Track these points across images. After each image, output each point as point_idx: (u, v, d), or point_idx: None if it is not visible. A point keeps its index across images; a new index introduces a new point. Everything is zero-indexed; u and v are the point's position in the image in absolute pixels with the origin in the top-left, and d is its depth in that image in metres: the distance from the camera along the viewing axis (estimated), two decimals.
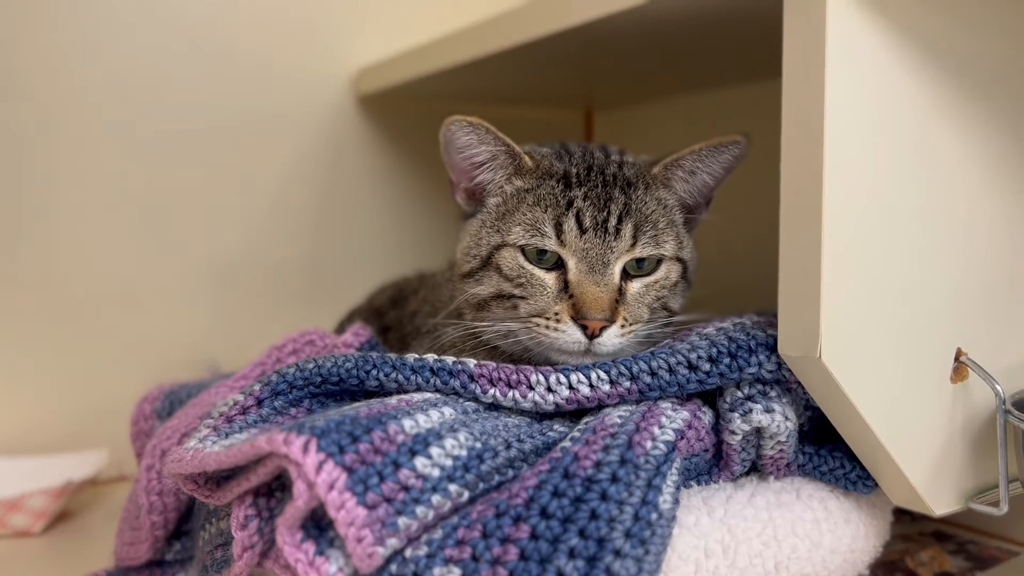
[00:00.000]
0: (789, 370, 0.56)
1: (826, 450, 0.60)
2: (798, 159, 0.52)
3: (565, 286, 0.63)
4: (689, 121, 1.12)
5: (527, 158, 0.66)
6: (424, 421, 0.50)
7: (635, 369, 0.57)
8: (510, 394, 0.57)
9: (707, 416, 0.58)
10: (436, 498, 0.46)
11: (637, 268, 0.64)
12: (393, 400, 0.54)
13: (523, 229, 0.64)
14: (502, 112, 1.17)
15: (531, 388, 0.57)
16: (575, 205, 0.63)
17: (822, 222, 0.50)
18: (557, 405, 0.57)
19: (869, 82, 0.52)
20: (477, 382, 0.57)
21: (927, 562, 0.70)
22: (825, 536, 0.56)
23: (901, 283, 0.55)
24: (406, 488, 0.46)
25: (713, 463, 0.59)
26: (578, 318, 0.61)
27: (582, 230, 0.62)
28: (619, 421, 0.54)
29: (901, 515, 0.75)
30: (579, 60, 0.87)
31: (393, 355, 0.60)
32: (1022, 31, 0.60)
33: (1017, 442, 0.58)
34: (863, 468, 0.58)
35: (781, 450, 0.57)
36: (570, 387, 0.57)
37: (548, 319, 0.62)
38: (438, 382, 0.57)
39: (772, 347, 0.56)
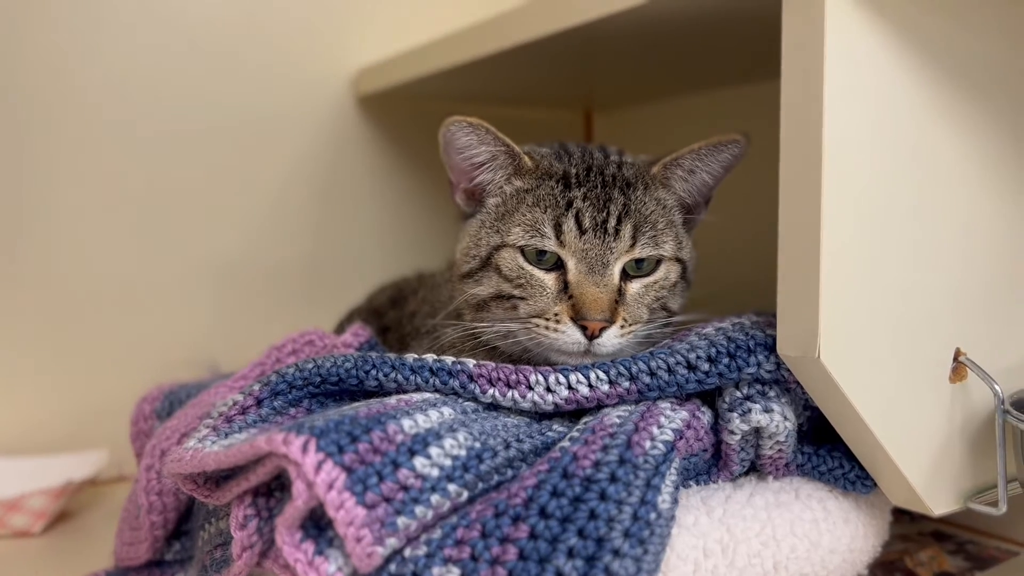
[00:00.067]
0: (788, 370, 0.56)
1: (825, 450, 0.60)
2: (797, 159, 0.52)
3: (565, 287, 0.63)
4: (688, 121, 1.12)
5: (527, 158, 0.66)
6: (423, 421, 0.50)
7: (634, 369, 0.57)
8: (509, 394, 0.57)
9: (706, 416, 0.58)
10: (435, 498, 0.46)
11: (636, 268, 0.64)
12: (392, 400, 0.54)
13: (523, 230, 0.64)
14: (501, 112, 1.17)
15: (530, 388, 0.57)
16: (574, 206, 0.63)
17: (821, 222, 0.50)
18: (556, 405, 0.57)
19: (868, 82, 0.52)
20: (476, 382, 0.57)
21: (926, 562, 0.70)
22: (824, 536, 0.56)
23: (900, 283, 0.55)
24: (405, 488, 0.46)
25: (712, 463, 0.59)
26: (578, 319, 0.61)
27: (581, 231, 0.63)
28: (618, 421, 0.54)
29: (900, 515, 0.75)
30: (578, 60, 0.88)
31: (392, 355, 0.60)
32: (1021, 31, 0.61)
33: (1016, 442, 0.58)
34: (862, 468, 0.59)
35: (780, 450, 0.57)
36: (569, 387, 0.57)
37: (548, 320, 0.62)
38: (437, 382, 0.57)
39: (771, 347, 0.56)
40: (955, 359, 0.58)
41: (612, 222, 0.63)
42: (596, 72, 0.98)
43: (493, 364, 0.58)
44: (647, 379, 0.57)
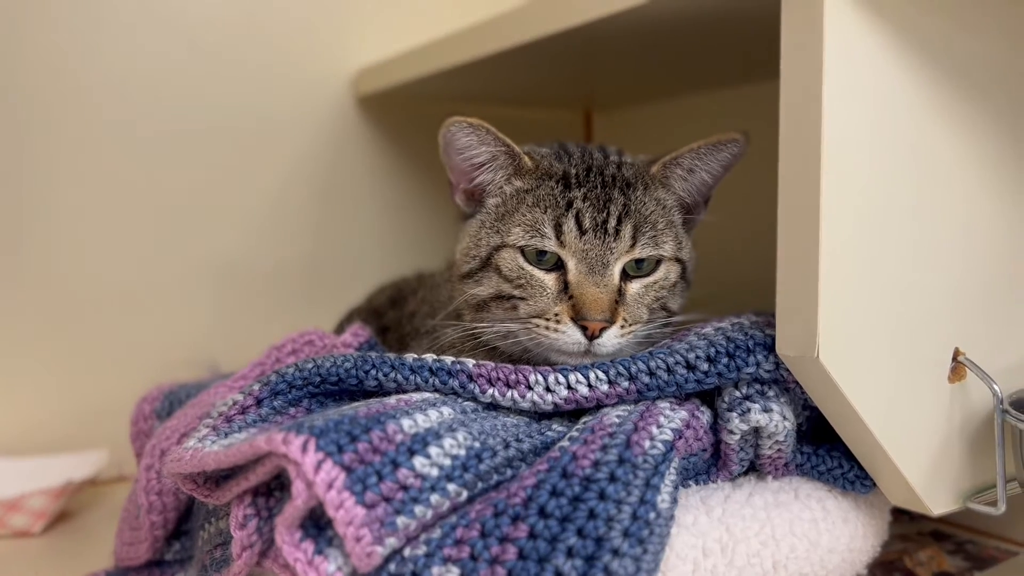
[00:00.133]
0: (787, 370, 0.56)
1: (824, 450, 0.60)
2: (796, 159, 0.52)
3: (565, 287, 0.63)
4: (688, 121, 1.12)
5: (527, 159, 0.66)
6: (423, 421, 0.50)
7: (633, 369, 0.57)
8: (508, 394, 0.57)
9: (705, 416, 0.58)
10: (435, 497, 0.46)
11: (636, 269, 0.64)
12: (392, 400, 0.54)
13: (523, 230, 0.64)
14: (501, 113, 1.17)
15: (529, 388, 0.57)
16: (575, 206, 0.63)
17: (820, 222, 0.51)
18: (555, 405, 0.57)
19: (867, 82, 0.52)
20: (475, 382, 0.57)
21: (925, 562, 0.70)
22: (823, 535, 0.56)
23: (899, 283, 0.56)
24: (405, 487, 0.46)
25: (711, 463, 0.59)
26: (578, 319, 0.61)
27: (582, 231, 0.63)
28: (617, 421, 0.54)
29: (899, 515, 0.75)
30: (578, 61, 0.88)
31: (392, 355, 0.60)
32: (1021, 32, 0.61)
33: (1015, 442, 0.58)
34: (861, 468, 0.59)
35: (779, 450, 0.58)
36: (568, 387, 0.57)
37: (548, 320, 0.62)
38: (437, 382, 0.57)
39: (770, 347, 0.57)
40: (954, 359, 0.58)
41: (612, 222, 0.63)
42: (596, 72, 0.98)
43: (492, 364, 0.58)
44: (646, 379, 0.57)
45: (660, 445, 0.52)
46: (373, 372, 0.58)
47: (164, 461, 0.60)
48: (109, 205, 0.98)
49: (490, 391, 0.57)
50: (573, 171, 0.66)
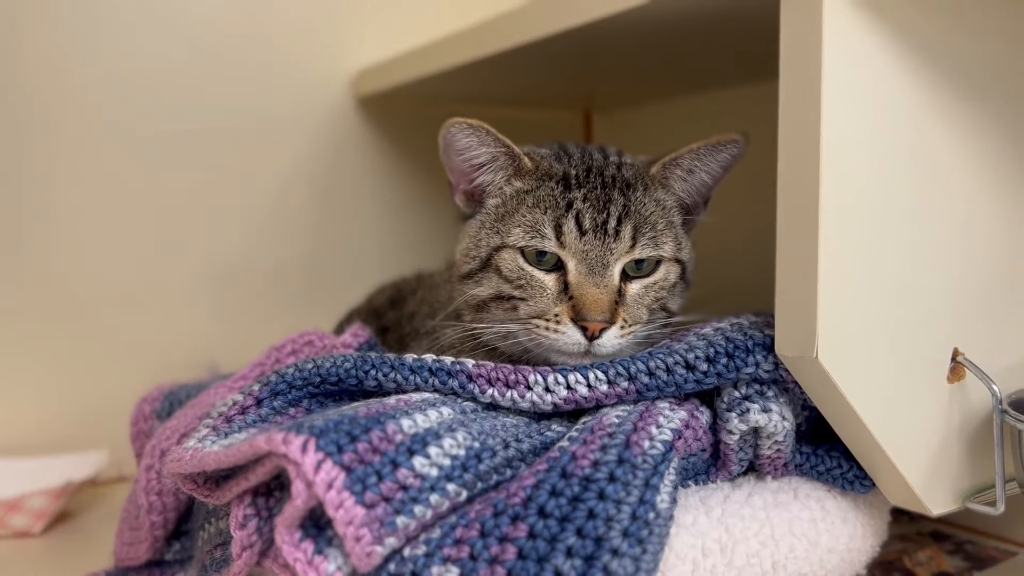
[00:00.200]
0: (786, 370, 0.56)
1: (823, 450, 0.60)
2: (795, 159, 0.52)
3: (565, 287, 0.63)
4: (688, 122, 1.12)
5: (526, 160, 0.66)
6: (422, 421, 0.50)
7: (633, 369, 0.57)
8: (508, 394, 0.57)
9: (705, 416, 0.58)
10: (434, 497, 0.46)
11: (636, 269, 0.65)
12: (391, 400, 0.54)
13: (523, 231, 0.64)
14: (501, 113, 1.17)
15: (529, 388, 0.57)
16: (575, 207, 0.63)
17: (819, 222, 0.51)
18: (555, 405, 0.57)
19: (866, 83, 0.52)
20: (475, 382, 0.57)
21: (925, 562, 0.70)
22: (822, 535, 0.56)
23: (898, 283, 0.56)
24: (404, 487, 0.46)
25: (711, 463, 0.59)
26: (578, 319, 0.61)
27: (582, 232, 0.63)
28: (617, 421, 0.54)
29: (899, 515, 0.75)
30: (578, 61, 0.88)
31: (391, 355, 0.60)
32: (1020, 33, 0.61)
33: (1014, 442, 0.58)
34: (860, 468, 0.59)
35: (778, 450, 0.58)
36: (568, 387, 0.57)
37: (548, 320, 0.62)
38: (436, 382, 0.57)
39: (769, 347, 0.57)
40: (953, 359, 0.59)
41: (612, 223, 0.63)
42: (595, 73, 0.98)
43: (492, 364, 0.58)
44: (645, 379, 0.57)
45: (659, 445, 0.52)
46: (373, 372, 0.58)
47: (164, 461, 0.60)
48: (109, 205, 0.98)
49: (489, 391, 0.57)
50: (573, 172, 0.66)
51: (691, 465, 0.57)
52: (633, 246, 0.63)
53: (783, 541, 0.54)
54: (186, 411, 0.67)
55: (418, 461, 0.47)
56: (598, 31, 0.72)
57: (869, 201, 0.53)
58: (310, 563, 0.45)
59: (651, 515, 0.47)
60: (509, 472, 0.51)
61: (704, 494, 0.56)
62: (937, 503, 0.58)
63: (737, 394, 0.57)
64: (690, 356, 0.57)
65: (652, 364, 0.57)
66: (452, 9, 1.16)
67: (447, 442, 0.49)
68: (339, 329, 0.90)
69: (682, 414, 0.56)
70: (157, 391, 0.76)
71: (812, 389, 0.56)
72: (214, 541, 0.57)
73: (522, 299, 0.64)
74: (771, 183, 0.54)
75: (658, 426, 0.53)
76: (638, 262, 0.64)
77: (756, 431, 0.57)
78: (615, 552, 0.44)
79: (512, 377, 0.57)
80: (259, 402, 0.58)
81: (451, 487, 0.47)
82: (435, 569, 0.45)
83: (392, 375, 0.58)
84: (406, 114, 1.16)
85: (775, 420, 0.56)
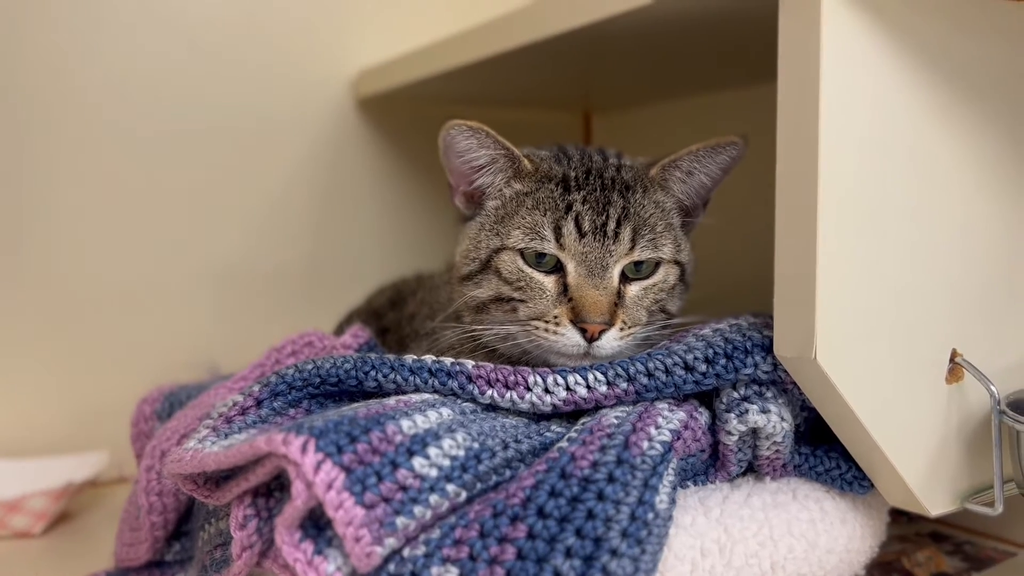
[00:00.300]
0: (785, 371, 0.56)
1: (822, 451, 0.60)
2: (793, 160, 0.52)
3: (564, 289, 0.63)
4: (687, 124, 1.12)
5: (526, 161, 0.66)
6: (422, 422, 0.50)
7: (632, 370, 0.57)
8: (508, 395, 0.57)
9: (703, 417, 0.58)
10: (434, 498, 0.47)
11: (635, 271, 0.65)
12: (391, 401, 0.54)
13: (522, 232, 0.64)
14: (501, 115, 1.17)
15: (528, 389, 0.57)
16: (574, 209, 0.63)
17: (817, 223, 0.51)
18: (554, 406, 0.57)
19: (864, 84, 0.52)
20: (475, 383, 0.57)
21: (923, 562, 0.70)
22: (821, 536, 0.56)
23: (896, 284, 0.56)
24: (404, 488, 0.46)
25: (710, 463, 0.59)
26: (577, 321, 0.61)
27: (581, 234, 0.63)
28: (616, 422, 0.54)
29: (898, 516, 0.75)
30: (578, 63, 0.88)
31: (391, 356, 0.60)
32: (1019, 34, 0.61)
33: (1012, 443, 0.58)
34: (859, 469, 0.59)
35: (777, 451, 0.58)
36: (567, 388, 0.57)
37: (547, 322, 0.62)
38: (436, 383, 0.58)
39: (768, 348, 0.57)
40: (951, 360, 0.59)
41: (611, 225, 0.63)
42: (595, 75, 0.98)
43: (491, 365, 0.58)
44: (644, 380, 0.57)
45: (658, 446, 0.52)
46: (373, 373, 0.58)
47: (164, 462, 0.60)
48: (109, 205, 0.98)
49: (489, 392, 0.57)
50: (572, 174, 0.66)
51: (690, 466, 0.57)
52: (632, 248, 0.64)
53: (782, 542, 0.54)
54: (186, 412, 0.68)
55: (418, 462, 0.47)
56: (598, 33, 0.72)
57: (868, 202, 0.53)
58: (310, 563, 0.45)
59: (650, 515, 0.47)
60: (508, 473, 0.52)
61: (703, 495, 0.57)
62: (935, 504, 0.58)
63: (736, 395, 0.57)
64: (689, 357, 0.57)
65: (651, 365, 0.57)
66: (452, 10, 1.16)
67: (447, 443, 0.49)
68: (339, 330, 0.90)
69: (681, 415, 0.56)
70: (157, 392, 0.76)
71: (811, 390, 0.56)
72: (214, 541, 0.57)
73: (521, 301, 0.64)
74: (770, 185, 0.54)
75: (657, 427, 0.54)
76: (637, 264, 0.64)
77: (755, 432, 0.57)
78: (614, 552, 0.44)
79: (511, 378, 0.58)
80: (259, 403, 0.58)
81: (450, 488, 0.48)
82: (435, 569, 0.45)
83: (392, 376, 0.58)
84: (406, 115, 1.16)
85: (774, 421, 0.56)
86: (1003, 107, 0.61)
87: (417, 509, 0.46)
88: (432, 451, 0.48)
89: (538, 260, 0.64)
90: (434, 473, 0.47)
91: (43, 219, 0.95)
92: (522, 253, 0.64)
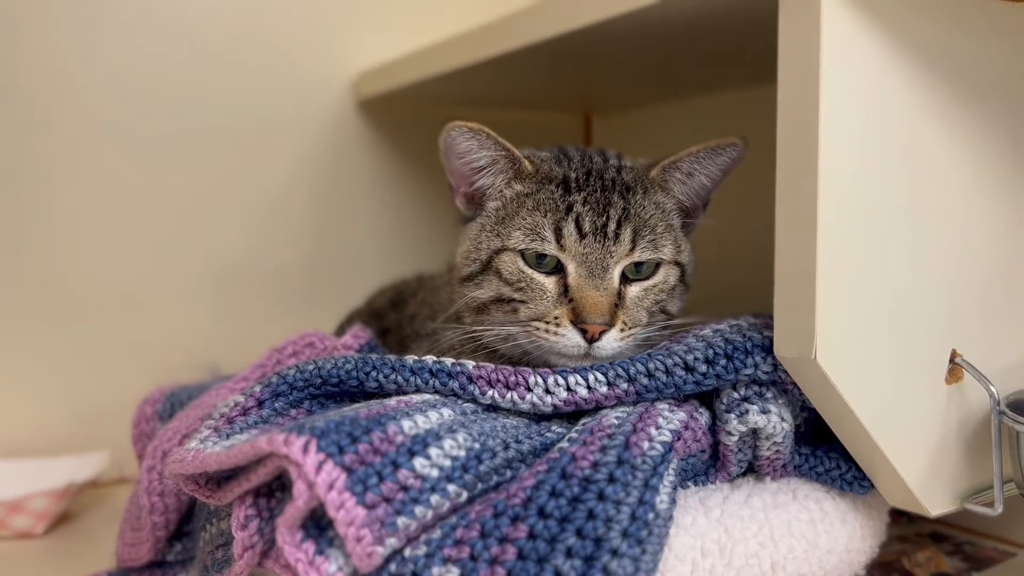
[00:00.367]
0: (785, 371, 0.57)
1: (822, 451, 0.60)
2: (793, 161, 0.52)
3: (565, 290, 0.63)
4: (687, 125, 1.12)
5: (527, 163, 0.66)
6: (423, 422, 0.50)
7: (632, 371, 0.57)
8: (508, 395, 0.57)
9: (704, 417, 0.58)
10: (435, 498, 0.47)
11: (636, 272, 0.65)
12: (392, 401, 0.54)
13: (523, 233, 0.64)
14: (501, 116, 1.17)
15: (529, 390, 0.57)
16: (575, 210, 0.64)
17: (817, 224, 0.51)
18: (555, 407, 0.57)
19: (864, 85, 0.53)
20: (476, 383, 0.58)
21: (924, 563, 0.70)
22: (821, 536, 0.56)
23: (896, 285, 0.56)
24: (405, 488, 0.46)
25: (710, 464, 0.59)
26: (578, 322, 0.61)
27: (582, 235, 0.63)
28: (616, 422, 0.54)
29: (898, 516, 0.75)
30: (578, 64, 0.88)
31: (392, 357, 0.60)
32: (1019, 35, 0.61)
33: (1011, 443, 0.58)
34: (859, 469, 0.59)
35: (777, 451, 0.58)
36: (568, 389, 0.57)
37: (548, 323, 0.62)
38: (437, 383, 0.58)
39: (768, 349, 0.57)
40: (951, 360, 0.59)
41: (612, 226, 0.63)
42: (595, 76, 0.98)
43: (492, 366, 0.59)
44: (645, 380, 0.57)
45: (659, 446, 0.52)
46: (374, 374, 0.58)
47: (166, 462, 0.60)
48: (109, 205, 0.98)
49: (490, 393, 0.57)
50: (573, 175, 0.66)
51: (690, 466, 0.57)
52: (633, 249, 0.64)
53: (782, 542, 0.54)
54: (188, 412, 0.68)
55: (419, 462, 0.47)
56: (598, 34, 0.72)
57: (867, 203, 0.54)
58: (311, 563, 0.45)
59: (650, 516, 0.47)
60: (509, 473, 0.52)
61: (703, 495, 0.57)
62: (935, 504, 0.58)
63: (736, 395, 0.57)
64: (689, 358, 0.57)
65: (651, 366, 0.57)
66: (453, 11, 1.17)
67: (447, 443, 0.49)
68: (340, 331, 0.90)
69: (681, 415, 0.56)
70: (159, 392, 0.76)
71: (811, 390, 0.56)
72: (216, 542, 0.57)
73: (522, 302, 0.64)
74: (770, 186, 0.54)
75: (657, 427, 0.54)
76: (637, 265, 0.65)
77: (755, 432, 0.57)
78: (615, 552, 0.44)
79: (512, 379, 0.58)
80: (260, 403, 0.58)
81: (451, 488, 0.48)
82: (436, 569, 0.45)
83: (393, 376, 0.58)
84: (406, 116, 1.16)
85: (774, 421, 0.56)
86: (1002, 107, 0.61)
87: (418, 509, 0.46)
88: (433, 451, 0.48)
89: (539, 261, 0.64)
90: (435, 473, 0.48)
91: (43, 219, 0.95)
92: (523, 254, 0.64)
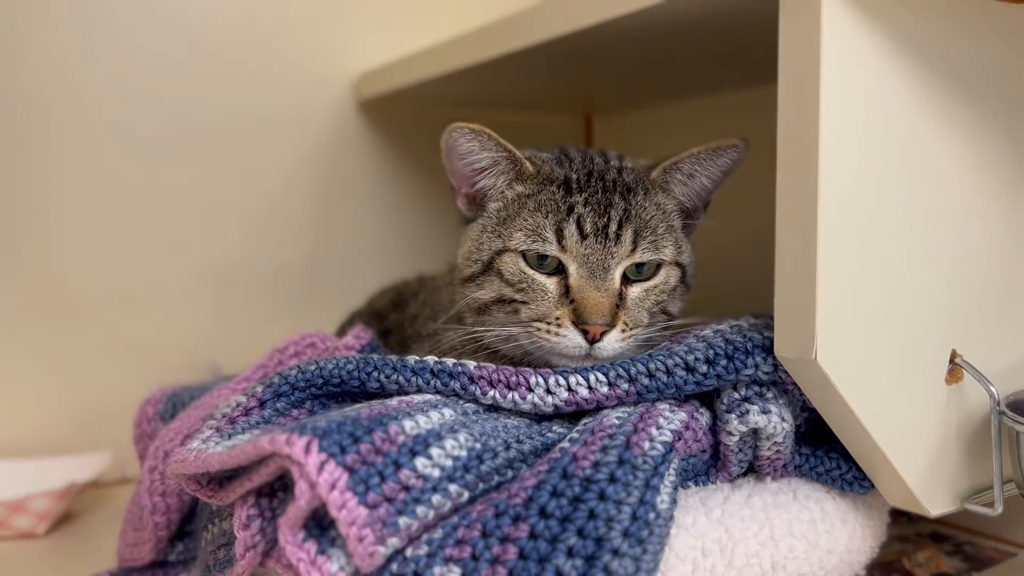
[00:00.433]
0: (785, 372, 0.57)
1: (823, 451, 0.60)
2: (793, 161, 0.52)
3: (566, 291, 0.63)
4: (688, 126, 1.12)
5: (528, 164, 0.67)
6: (424, 422, 0.51)
7: (633, 371, 0.57)
8: (509, 396, 0.57)
9: (704, 417, 0.58)
10: (436, 498, 0.47)
11: (637, 273, 0.65)
12: (394, 401, 0.54)
13: (524, 234, 0.64)
14: (502, 117, 1.17)
15: (530, 390, 0.57)
16: (576, 211, 0.64)
17: (817, 224, 0.51)
18: (556, 407, 0.57)
19: (864, 85, 0.53)
20: (477, 384, 0.58)
21: (924, 563, 0.71)
22: (822, 536, 0.57)
23: (897, 285, 0.56)
24: (407, 488, 0.46)
25: (710, 464, 0.59)
26: (579, 323, 0.61)
27: (583, 236, 0.63)
28: (617, 422, 0.54)
29: (898, 516, 0.76)
30: (579, 65, 0.88)
31: (394, 357, 0.60)
32: (1019, 36, 0.61)
33: (1011, 443, 0.58)
34: (859, 469, 0.59)
35: (778, 451, 0.58)
36: (569, 389, 0.57)
37: (549, 324, 0.62)
38: (439, 384, 0.58)
39: (768, 349, 0.57)
40: (951, 361, 0.59)
41: (613, 227, 0.63)
42: (596, 77, 0.98)
43: (494, 366, 0.59)
44: (646, 381, 0.57)
45: (659, 446, 0.52)
46: (375, 374, 0.58)
47: (168, 462, 0.60)
48: (109, 205, 0.98)
49: (491, 393, 0.57)
50: (574, 176, 0.66)
51: (691, 466, 0.57)
52: (634, 250, 0.64)
53: (782, 542, 0.55)
54: (189, 412, 0.68)
55: (420, 462, 0.47)
56: (600, 35, 0.72)
57: (868, 203, 0.54)
58: (313, 563, 0.45)
59: (651, 515, 0.47)
60: (510, 473, 0.52)
61: (704, 495, 0.57)
62: (935, 504, 0.58)
63: (736, 396, 0.58)
64: (690, 358, 0.57)
65: (652, 366, 0.57)
66: (454, 12, 1.17)
67: (449, 443, 0.49)
68: (341, 332, 0.90)
69: (682, 415, 0.56)
70: (160, 393, 0.76)
71: (811, 391, 0.56)
72: (218, 542, 0.57)
73: (523, 302, 0.64)
74: (770, 186, 0.54)
75: (658, 427, 0.54)
76: (639, 266, 0.65)
77: (755, 432, 0.57)
78: (616, 552, 0.44)
79: (513, 379, 0.58)
80: (262, 403, 0.58)
81: (453, 488, 0.48)
82: (437, 569, 0.45)
83: (394, 377, 0.58)
84: (407, 117, 1.16)
85: (774, 421, 0.56)
86: (1002, 108, 0.61)
87: (420, 509, 0.46)
88: (434, 451, 0.48)
89: (540, 262, 0.64)
90: (436, 473, 0.48)
91: (43, 219, 0.95)
92: (524, 255, 0.64)
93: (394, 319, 0.86)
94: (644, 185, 0.67)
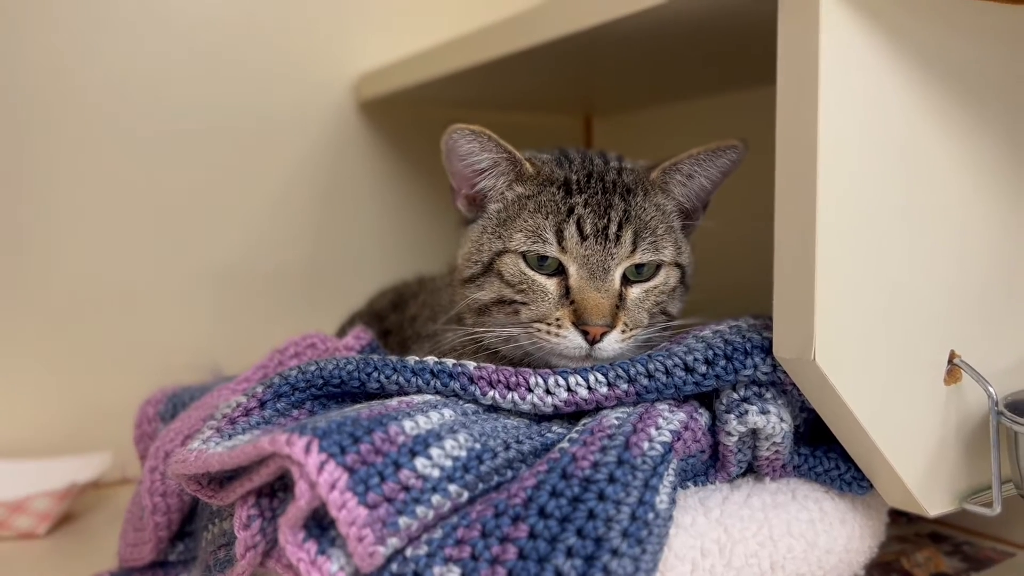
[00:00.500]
0: (784, 372, 0.57)
1: (821, 451, 0.61)
2: (792, 162, 0.52)
3: (566, 292, 0.63)
4: (688, 127, 1.13)
5: (528, 165, 0.67)
6: (424, 422, 0.51)
7: (632, 371, 0.57)
8: (509, 396, 0.58)
9: (704, 417, 0.58)
10: (436, 498, 0.47)
11: (636, 274, 0.65)
12: (394, 402, 0.54)
13: (524, 235, 0.64)
14: (502, 118, 1.17)
15: (530, 390, 0.58)
16: (576, 212, 0.64)
17: (816, 225, 0.51)
18: (555, 407, 0.58)
19: (863, 87, 0.53)
20: (477, 384, 0.58)
21: (923, 563, 0.71)
22: (820, 536, 0.57)
23: (895, 286, 0.56)
24: (406, 488, 0.46)
25: (710, 464, 0.59)
26: (579, 324, 0.61)
27: (583, 237, 0.63)
28: (616, 423, 0.54)
29: (898, 516, 0.76)
30: (579, 66, 0.88)
31: (394, 358, 0.60)
32: (1018, 37, 0.61)
33: (1010, 444, 0.58)
34: (858, 469, 0.59)
35: (777, 451, 0.58)
36: (568, 389, 0.57)
37: (549, 324, 0.62)
38: (438, 384, 0.58)
39: (767, 349, 0.57)
40: (950, 361, 0.59)
41: (613, 228, 0.63)
42: (597, 77, 0.98)
43: (493, 366, 0.59)
44: (645, 381, 0.57)
45: (658, 446, 0.52)
46: (375, 375, 0.58)
47: (168, 463, 0.60)
48: (109, 205, 0.98)
49: (491, 393, 0.58)
50: (574, 177, 0.66)
51: (690, 466, 0.57)
52: (634, 251, 0.64)
53: (781, 542, 0.55)
54: (190, 413, 0.68)
55: (420, 462, 0.48)
56: (600, 36, 0.72)
57: (866, 204, 0.54)
58: (313, 563, 0.45)
59: (650, 516, 0.47)
60: (510, 473, 0.52)
61: (703, 495, 0.57)
62: (934, 504, 0.58)
63: (736, 396, 0.58)
64: (689, 358, 0.58)
65: (651, 366, 0.58)
66: (453, 14, 1.17)
67: (448, 443, 0.50)
68: (341, 332, 0.90)
69: (681, 416, 0.56)
70: (160, 393, 0.76)
71: (810, 391, 0.56)
72: (218, 542, 0.57)
73: (524, 303, 0.64)
74: (769, 187, 0.54)
75: (657, 428, 0.54)
76: (638, 266, 0.65)
77: (754, 433, 0.58)
78: (615, 552, 0.44)
79: (513, 379, 0.58)
80: (262, 404, 0.58)
81: (452, 488, 0.48)
82: (437, 569, 0.45)
83: (394, 377, 0.58)
84: (407, 118, 1.16)
85: (773, 422, 0.56)
86: (1000, 109, 0.61)
87: (419, 509, 0.46)
88: (434, 451, 0.49)
89: (540, 263, 0.64)
90: (436, 473, 0.48)
91: (43, 219, 0.95)
92: (524, 256, 0.64)
93: (394, 320, 0.86)
94: (644, 186, 0.67)
